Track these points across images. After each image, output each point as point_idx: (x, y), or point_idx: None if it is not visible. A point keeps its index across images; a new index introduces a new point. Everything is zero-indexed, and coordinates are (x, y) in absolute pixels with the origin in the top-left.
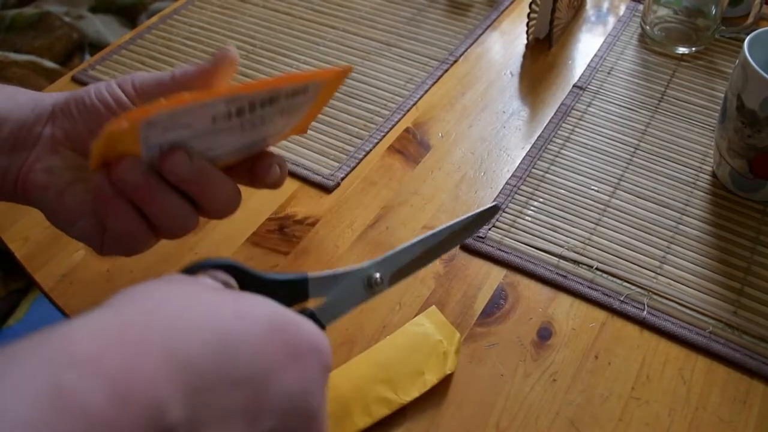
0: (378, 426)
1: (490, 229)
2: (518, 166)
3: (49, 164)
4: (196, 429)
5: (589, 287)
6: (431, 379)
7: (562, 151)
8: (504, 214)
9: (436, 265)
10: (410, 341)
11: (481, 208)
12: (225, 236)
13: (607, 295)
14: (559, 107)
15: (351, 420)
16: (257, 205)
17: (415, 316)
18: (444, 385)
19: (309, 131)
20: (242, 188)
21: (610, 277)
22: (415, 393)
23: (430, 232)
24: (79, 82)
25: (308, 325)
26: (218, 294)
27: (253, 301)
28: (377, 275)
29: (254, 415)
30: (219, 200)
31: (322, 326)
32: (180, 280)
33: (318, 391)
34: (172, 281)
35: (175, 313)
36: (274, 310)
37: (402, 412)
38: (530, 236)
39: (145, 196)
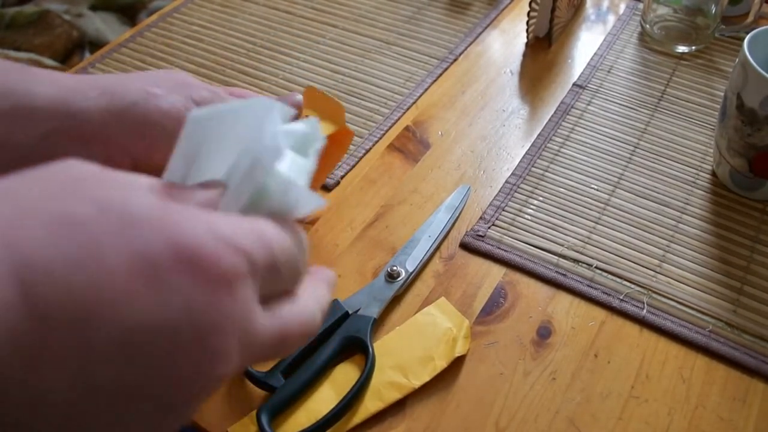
0: (378, 425)
1: (489, 228)
2: (518, 165)
3: None
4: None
5: (588, 286)
6: (441, 363)
7: (562, 150)
8: (503, 213)
9: (435, 264)
10: (420, 330)
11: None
12: None
13: (606, 293)
14: (559, 106)
15: (363, 405)
16: None
17: (416, 313)
18: (444, 383)
19: None
20: None
21: (609, 276)
22: (425, 377)
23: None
24: None
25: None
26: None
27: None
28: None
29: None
30: None
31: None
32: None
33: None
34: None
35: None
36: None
37: (402, 411)
38: (530, 235)
39: None
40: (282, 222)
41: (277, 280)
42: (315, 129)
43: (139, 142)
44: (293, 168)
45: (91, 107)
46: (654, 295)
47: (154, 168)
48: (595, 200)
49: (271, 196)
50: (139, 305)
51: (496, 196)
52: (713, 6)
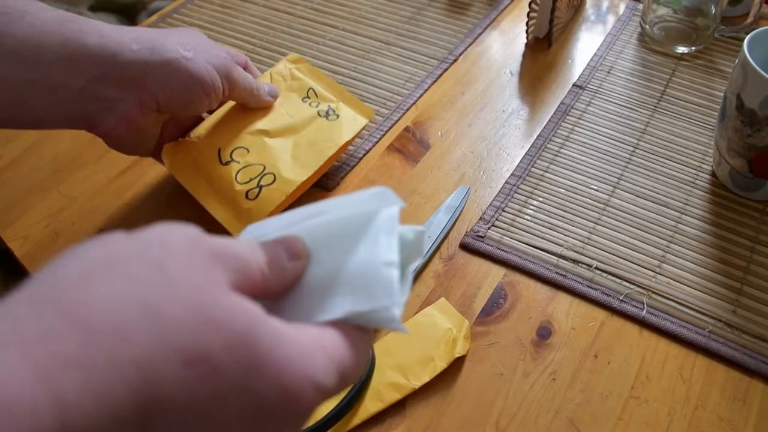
0: (378, 425)
1: (489, 228)
2: (518, 165)
3: (137, 124)
4: None
5: (588, 286)
6: (441, 364)
7: (562, 151)
8: (503, 214)
9: (435, 264)
10: (420, 330)
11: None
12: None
13: (606, 294)
14: (559, 106)
15: (363, 406)
16: None
17: (416, 314)
18: (444, 384)
19: None
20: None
21: (609, 276)
22: (425, 378)
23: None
24: None
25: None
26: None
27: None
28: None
29: None
30: None
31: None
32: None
33: None
34: (132, 258)
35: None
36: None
37: (402, 411)
38: (530, 235)
39: None
40: (360, 334)
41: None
42: (420, 240)
43: (166, 91)
44: (400, 302)
45: (135, 59)
46: (654, 296)
47: (172, 110)
48: (594, 201)
49: (372, 324)
50: None
51: (496, 196)
52: (713, 6)
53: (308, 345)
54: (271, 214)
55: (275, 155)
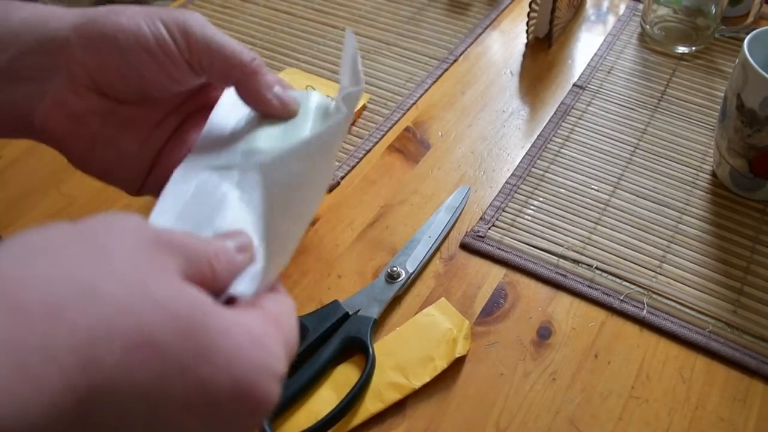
0: (379, 425)
1: (489, 228)
2: (518, 166)
3: (71, 110)
4: None
5: (588, 286)
6: (441, 364)
7: (562, 151)
8: (504, 214)
9: (435, 264)
10: (420, 330)
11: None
12: None
13: (606, 294)
14: (559, 106)
15: (363, 406)
16: None
17: (416, 314)
18: (444, 383)
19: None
20: None
21: (609, 277)
22: (425, 378)
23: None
24: None
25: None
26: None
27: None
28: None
29: None
30: None
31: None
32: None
33: None
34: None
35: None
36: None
37: (402, 411)
38: (530, 235)
39: None
40: (291, 312)
41: None
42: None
43: (94, 56)
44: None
45: (59, 26)
46: (654, 296)
47: (113, 86)
48: (595, 201)
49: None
50: (188, 430)
51: (497, 196)
52: (713, 6)
53: (259, 331)
54: None
55: None
